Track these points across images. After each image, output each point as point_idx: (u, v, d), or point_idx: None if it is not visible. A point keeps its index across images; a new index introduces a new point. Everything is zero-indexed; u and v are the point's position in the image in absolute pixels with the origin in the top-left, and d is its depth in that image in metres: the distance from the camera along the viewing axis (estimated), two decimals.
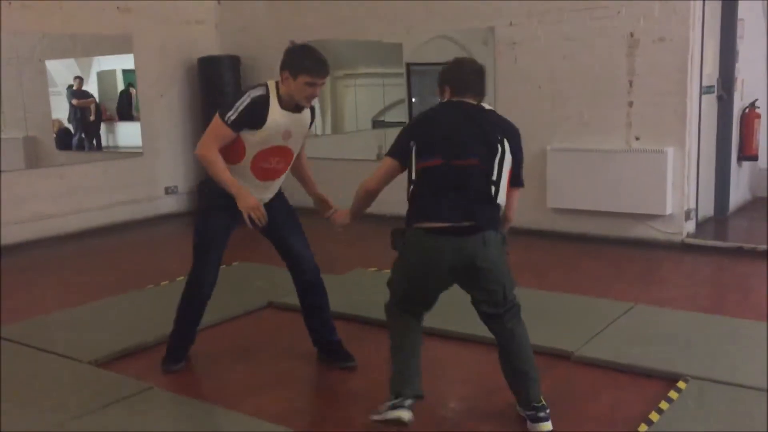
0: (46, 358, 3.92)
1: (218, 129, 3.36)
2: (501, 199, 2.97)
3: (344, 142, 8.22)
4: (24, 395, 3.44)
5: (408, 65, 7.42)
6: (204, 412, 3.23)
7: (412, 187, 3.01)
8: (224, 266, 5.60)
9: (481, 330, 4.02)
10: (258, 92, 3.38)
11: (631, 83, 5.92)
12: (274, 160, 3.50)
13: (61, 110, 7.73)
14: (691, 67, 5.74)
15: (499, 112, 6.98)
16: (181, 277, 5.39)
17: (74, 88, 7.78)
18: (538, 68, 6.34)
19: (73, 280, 5.69)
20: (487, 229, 2.91)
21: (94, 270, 5.99)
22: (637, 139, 5.94)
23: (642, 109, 5.91)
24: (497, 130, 3.00)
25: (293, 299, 4.62)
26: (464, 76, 3.10)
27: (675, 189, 5.87)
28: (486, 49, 6.67)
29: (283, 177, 3.63)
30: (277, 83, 3.41)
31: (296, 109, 3.43)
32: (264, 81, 3.47)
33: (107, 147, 8.36)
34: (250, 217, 3.31)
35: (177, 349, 3.81)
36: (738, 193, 7.10)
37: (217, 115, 3.38)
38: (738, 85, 6.73)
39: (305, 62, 3.31)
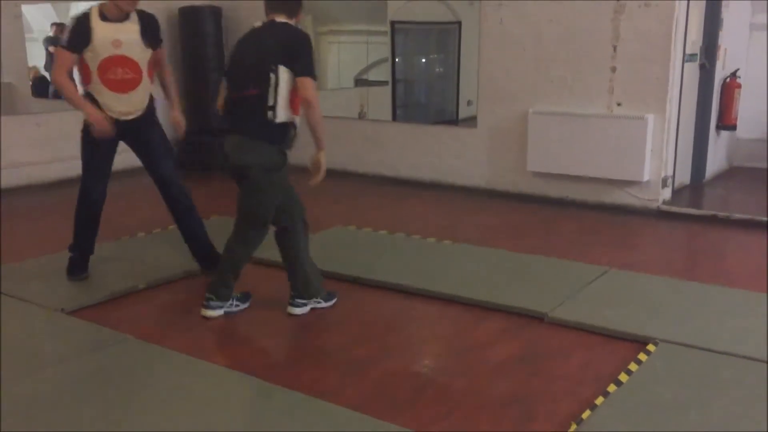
0: (18, 306, 3.91)
1: (60, 55, 3.92)
2: (281, 117, 3.52)
3: (326, 99, 8.14)
4: None
5: (393, 23, 7.34)
6: (181, 363, 3.24)
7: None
8: (214, 217, 5.60)
9: (462, 291, 4.10)
10: (80, 14, 3.90)
11: (615, 48, 5.91)
12: (120, 70, 3.95)
13: (37, 57, 7.57)
14: (676, 33, 5.73)
15: (483, 73, 6.98)
16: (158, 230, 5.40)
17: (51, 34, 7.61)
18: (523, 30, 6.30)
19: (47, 229, 5.65)
20: (245, 137, 3.56)
21: (69, 220, 5.93)
22: (619, 104, 5.96)
23: (625, 75, 5.91)
24: (271, 59, 3.47)
25: (270, 254, 4.65)
26: None
27: (653, 156, 5.91)
28: (472, 9, 6.61)
29: (141, 91, 4.06)
30: (101, 5, 3.92)
31: (121, 18, 3.93)
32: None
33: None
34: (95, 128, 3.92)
35: (76, 260, 4.30)
36: (715, 162, 7.18)
37: (58, 47, 3.94)
38: (720, 54, 6.75)
39: None
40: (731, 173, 7.47)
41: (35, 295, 4.02)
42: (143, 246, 5.03)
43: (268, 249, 4.70)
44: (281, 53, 3.47)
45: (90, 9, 3.91)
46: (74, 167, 7.22)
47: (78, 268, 4.31)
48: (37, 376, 3.11)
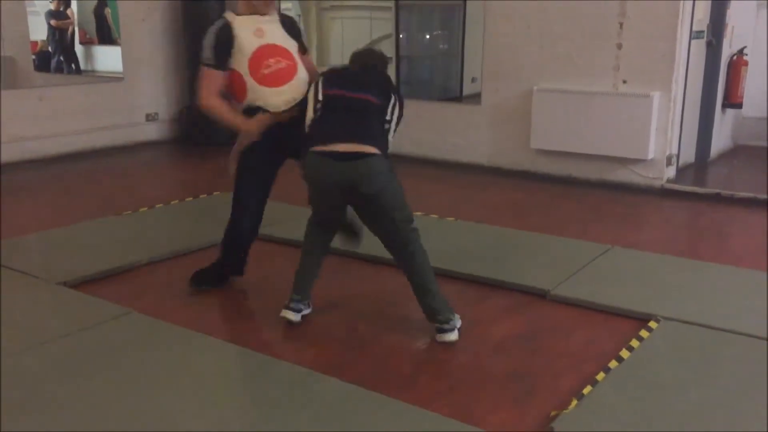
0: (21, 279, 3.91)
1: (207, 75, 3.50)
2: (391, 140, 3.30)
3: None
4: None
5: None
6: (183, 337, 3.25)
7: (314, 114, 3.26)
8: (217, 193, 5.60)
9: (464, 267, 4.09)
10: (218, 23, 3.50)
11: (621, 25, 5.85)
12: (272, 60, 3.50)
13: (38, 31, 7.53)
14: (683, 10, 5.67)
15: (487, 50, 6.91)
16: (160, 205, 5.39)
17: (53, 8, 7.56)
18: (528, 7, 6.24)
19: (49, 204, 5.65)
20: (372, 157, 3.13)
21: (72, 194, 5.94)
22: (625, 82, 5.91)
23: (630, 52, 5.86)
24: (392, 88, 3.35)
25: (277, 231, 4.65)
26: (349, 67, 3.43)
27: (658, 134, 5.88)
28: None
29: (299, 80, 3.54)
30: (233, 13, 3.55)
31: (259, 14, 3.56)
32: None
33: (87, 71, 8.19)
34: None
35: (210, 272, 3.89)
36: (720, 141, 7.14)
37: (202, 66, 3.51)
38: (728, 31, 6.69)
39: None
40: (736, 152, 7.43)
41: (36, 268, 4.03)
42: (145, 221, 5.03)
43: (271, 225, 4.69)
44: (395, 94, 3.33)
45: (226, 18, 3.50)
46: (75, 142, 7.27)
47: (208, 280, 3.88)
48: (38, 350, 3.12)
